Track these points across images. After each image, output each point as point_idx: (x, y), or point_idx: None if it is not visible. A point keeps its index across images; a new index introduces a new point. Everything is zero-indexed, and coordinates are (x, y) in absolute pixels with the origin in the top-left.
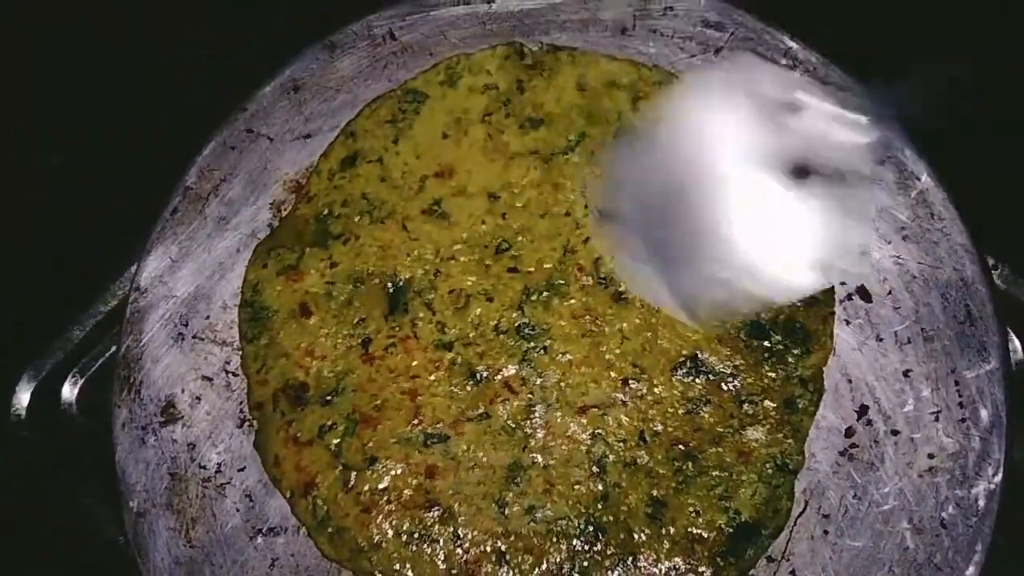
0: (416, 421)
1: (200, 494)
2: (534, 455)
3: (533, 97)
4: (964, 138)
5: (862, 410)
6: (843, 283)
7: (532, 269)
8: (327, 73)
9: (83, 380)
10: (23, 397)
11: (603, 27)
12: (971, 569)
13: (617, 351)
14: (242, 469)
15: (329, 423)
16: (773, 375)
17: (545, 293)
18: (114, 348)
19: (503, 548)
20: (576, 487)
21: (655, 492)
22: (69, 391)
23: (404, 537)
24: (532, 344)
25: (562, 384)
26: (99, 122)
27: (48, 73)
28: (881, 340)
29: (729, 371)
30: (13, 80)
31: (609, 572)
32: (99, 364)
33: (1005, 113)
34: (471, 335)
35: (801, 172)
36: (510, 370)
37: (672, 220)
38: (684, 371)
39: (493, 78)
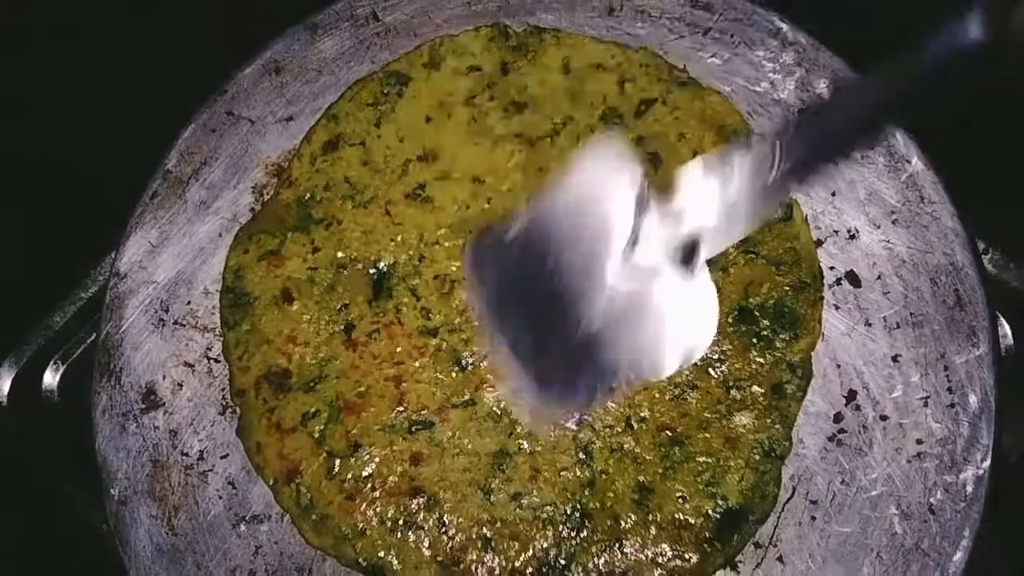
0: (400, 408)
1: (182, 481)
2: (520, 442)
3: (518, 80)
4: (956, 122)
5: (851, 395)
6: (832, 267)
7: None
8: (309, 55)
9: (65, 367)
10: (3, 384)
11: (590, 8)
12: (958, 554)
13: None
14: (225, 456)
15: (312, 410)
16: (761, 360)
17: None
18: (96, 335)
19: (489, 535)
20: (562, 473)
21: (642, 478)
22: (51, 378)
23: (389, 524)
24: None
25: None
26: (77, 106)
27: (21, 57)
28: (870, 325)
29: (717, 356)
30: None
31: (595, 558)
32: (80, 351)
33: (999, 98)
34: (456, 321)
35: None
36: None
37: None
38: None
39: (477, 60)
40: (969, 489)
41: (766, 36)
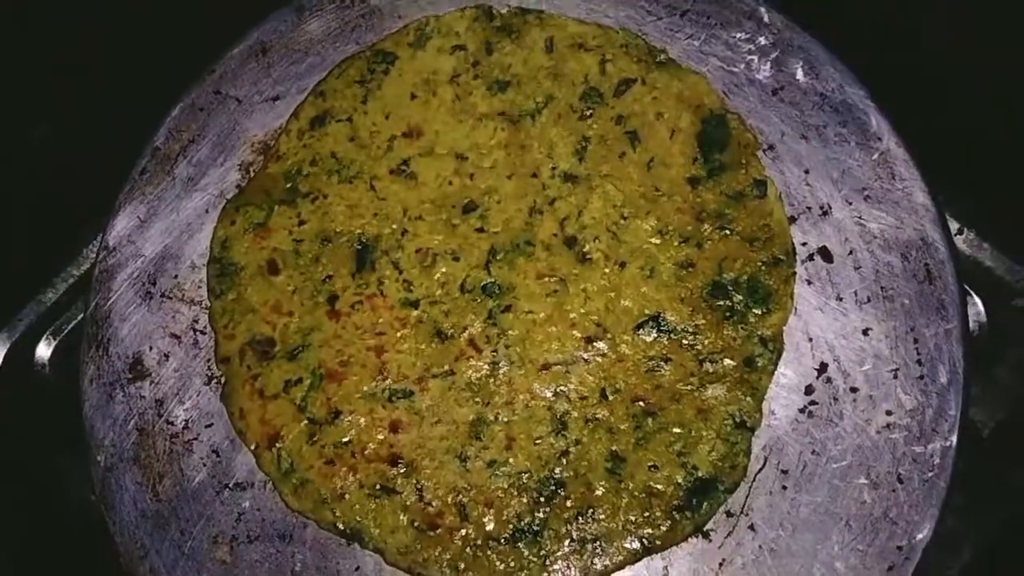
0: (381, 377)
1: (167, 450)
2: (497, 411)
3: (501, 59)
4: (934, 103)
5: (822, 368)
6: (804, 243)
7: (498, 229)
8: (295, 35)
9: (57, 341)
10: None
11: None
12: (926, 524)
13: (581, 310)
14: (209, 425)
15: (295, 377)
16: (734, 334)
17: (511, 253)
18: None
19: (465, 501)
20: (537, 442)
21: (615, 448)
22: (43, 352)
23: (367, 489)
24: (497, 303)
25: (526, 342)
26: (68, 85)
27: (14, 37)
28: (841, 299)
29: (690, 330)
30: None
31: (568, 525)
32: (72, 326)
33: (979, 80)
34: (437, 294)
35: None
36: (475, 328)
37: None
38: (646, 330)
39: (462, 39)
40: (936, 460)
41: (742, 18)
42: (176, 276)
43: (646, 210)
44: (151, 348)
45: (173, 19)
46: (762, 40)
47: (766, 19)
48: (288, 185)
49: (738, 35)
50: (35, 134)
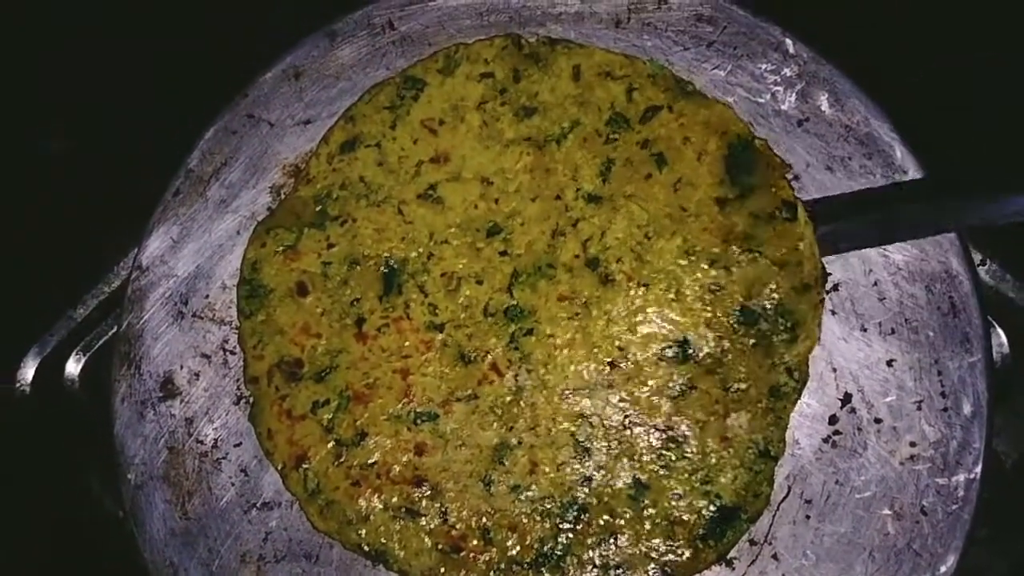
0: (407, 399)
1: (196, 468)
2: (520, 435)
3: (528, 86)
4: (958, 134)
5: (846, 398)
6: (830, 273)
7: (522, 252)
8: (327, 61)
9: (86, 357)
10: (27, 372)
11: (598, 20)
12: (950, 556)
13: (603, 334)
14: (238, 445)
15: (322, 399)
16: (760, 363)
17: (533, 276)
18: (117, 327)
19: (488, 525)
20: (561, 467)
21: (638, 475)
22: (72, 368)
23: (392, 511)
24: (520, 326)
25: (548, 366)
26: (104, 106)
27: (53, 58)
28: (866, 330)
29: (716, 356)
30: (16, 64)
31: (590, 551)
32: (102, 342)
33: (1004, 109)
34: (462, 317)
35: None
36: (497, 352)
37: None
38: (670, 355)
39: (490, 67)
40: (961, 492)
41: (768, 49)
42: (207, 296)
43: (671, 230)
44: (182, 367)
45: (208, 43)
46: (787, 71)
47: (792, 50)
48: (318, 208)
49: (764, 66)
50: (65, 154)
